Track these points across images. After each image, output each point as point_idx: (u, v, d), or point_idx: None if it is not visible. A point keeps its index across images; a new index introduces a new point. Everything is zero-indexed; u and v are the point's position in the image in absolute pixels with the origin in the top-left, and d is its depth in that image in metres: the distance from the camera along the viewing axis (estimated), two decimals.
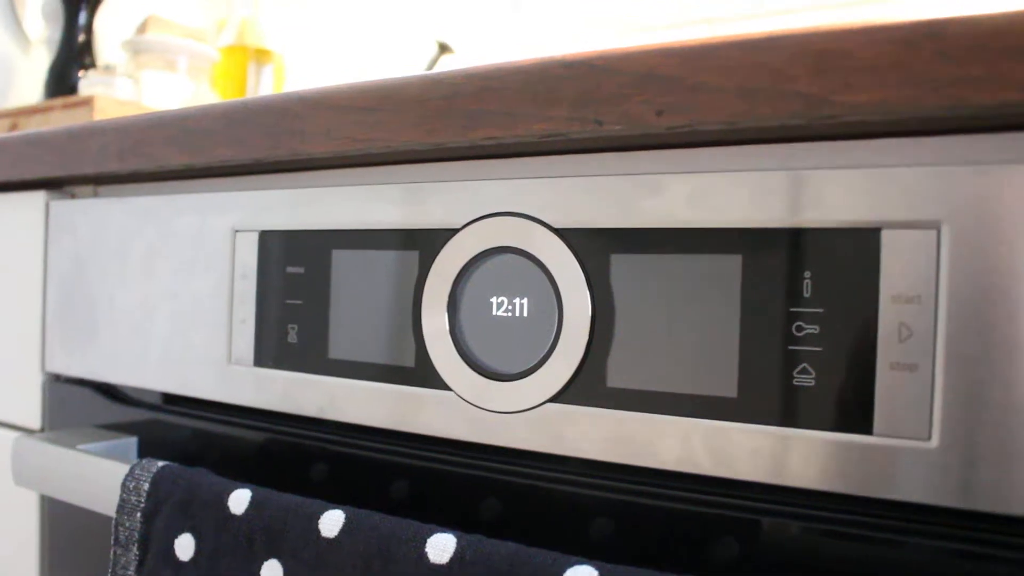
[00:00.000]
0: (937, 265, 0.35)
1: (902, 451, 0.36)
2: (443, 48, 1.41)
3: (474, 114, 0.45)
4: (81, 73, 1.23)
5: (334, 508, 0.45)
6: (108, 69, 1.21)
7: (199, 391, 0.60)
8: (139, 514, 0.53)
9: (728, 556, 0.40)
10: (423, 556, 0.41)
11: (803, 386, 0.38)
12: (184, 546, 0.50)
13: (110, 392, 0.68)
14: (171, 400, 0.65)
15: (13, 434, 0.73)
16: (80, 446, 0.61)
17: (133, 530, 0.53)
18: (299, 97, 0.52)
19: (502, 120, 0.44)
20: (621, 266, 0.42)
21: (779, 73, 0.37)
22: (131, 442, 0.65)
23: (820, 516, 0.38)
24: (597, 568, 0.37)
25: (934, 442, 0.35)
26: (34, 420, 0.74)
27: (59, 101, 1.12)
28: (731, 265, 0.39)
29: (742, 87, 0.38)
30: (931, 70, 0.34)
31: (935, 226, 0.35)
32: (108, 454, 0.61)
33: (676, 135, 0.41)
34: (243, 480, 0.51)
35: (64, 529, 0.71)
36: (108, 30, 1.38)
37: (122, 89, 1.15)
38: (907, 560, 0.37)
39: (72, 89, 1.21)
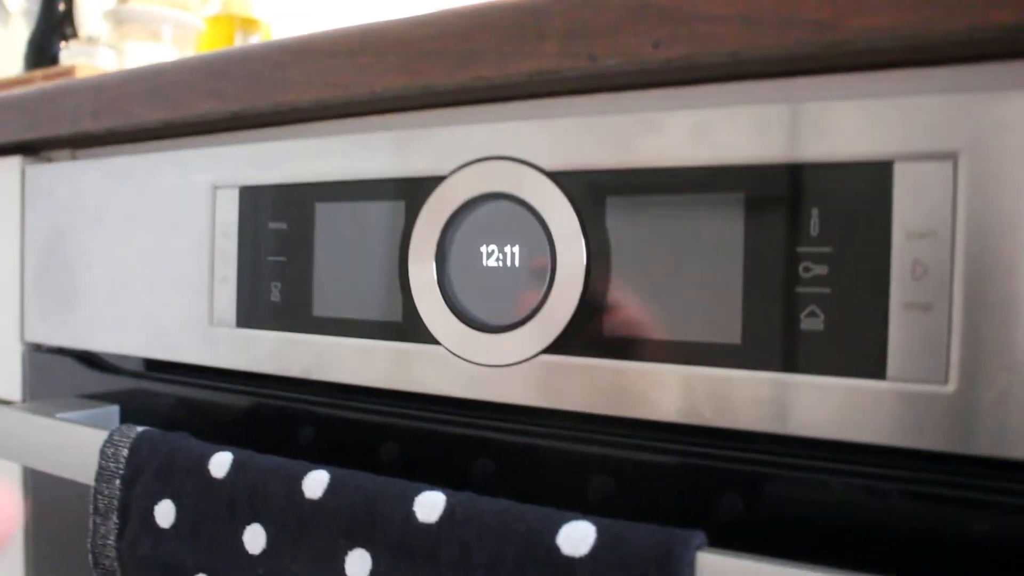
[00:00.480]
0: (954, 198, 0.33)
1: (917, 396, 0.34)
2: None
3: (462, 53, 0.42)
4: (62, 44, 1.20)
5: (318, 469, 0.43)
6: (90, 40, 1.19)
7: (181, 355, 0.58)
8: (118, 481, 0.51)
9: (732, 512, 0.38)
10: (411, 515, 0.39)
11: (811, 330, 0.36)
12: (164, 513, 0.48)
13: (91, 360, 0.66)
14: (154, 366, 0.63)
15: None
16: (59, 415, 0.59)
17: (112, 498, 0.51)
18: (279, 45, 0.50)
19: (491, 59, 0.42)
20: (617, 209, 0.40)
21: None
22: (113, 411, 0.63)
23: (830, 468, 0.37)
24: (595, 523, 0.35)
25: (951, 386, 0.33)
26: (14, 391, 0.71)
27: (39, 72, 1.09)
28: (734, 204, 0.37)
29: (744, 15, 0.35)
30: None
31: (951, 157, 0.33)
32: (89, 423, 0.59)
33: (674, 69, 0.39)
34: (231, 445, 0.49)
35: (48, 500, 0.69)
36: (90, 0, 1.35)
37: (104, 60, 1.12)
38: (922, 511, 0.35)
39: (53, 60, 1.18)
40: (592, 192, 0.41)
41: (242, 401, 0.56)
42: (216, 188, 0.55)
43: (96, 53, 1.10)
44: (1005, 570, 0.33)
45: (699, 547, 0.33)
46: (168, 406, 0.60)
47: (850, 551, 0.36)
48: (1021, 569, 0.32)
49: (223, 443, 0.50)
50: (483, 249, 0.44)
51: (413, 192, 0.46)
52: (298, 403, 0.53)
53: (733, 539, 0.37)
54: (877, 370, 0.34)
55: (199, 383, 0.58)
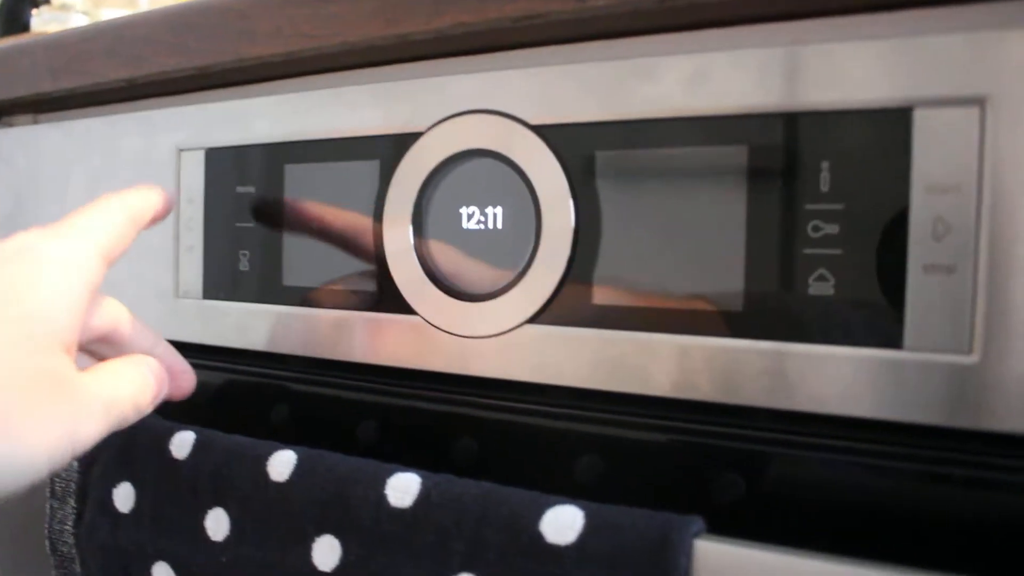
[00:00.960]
0: (980, 149, 0.30)
1: (938, 367, 0.31)
2: None
3: None
4: (34, 11, 1.15)
5: (284, 449, 0.40)
6: (64, 6, 1.14)
7: None
8: (75, 464, 0.48)
9: (734, 493, 0.35)
10: (383, 499, 0.36)
11: (820, 295, 0.33)
12: (124, 496, 0.45)
13: None
14: None
15: None
16: None
17: (70, 481, 0.48)
18: None
19: (471, 3, 0.38)
20: (608, 165, 0.37)
21: None
22: None
23: (840, 446, 0.33)
24: (583, 508, 0.32)
25: (975, 356, 0.30)
26: None
27: (9, 40, 1.05)
28: (735, 157, 0.34)
29: None
30: None
31: (978, 102, 0.30)
32: None
33: (671, 11, 0.35)
34: (200, 425, 0.46)
35: None
36: None
37: (78, 26, 1.08)
38: (941, 493, 0.32)
39: (25, 27, 1.14)
40: (581, 147, 0.37)
41: (214, 377, 0.52)
42: (181, 151, 0.52)
43: (69, 20, 1.06)
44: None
45: (697, 534, 0.30)
46: None
47: (861, 536, 0.33)
48: None
49: (193, 421, 0.47)
50: (463, 211, 0.40)
51: (388, 150, 0.43)
52: (271, 378, 0.50)
53: (734, 523, 0.34)
54: (893, 339, 0.31)
55: None
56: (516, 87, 0.39)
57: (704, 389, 0.35)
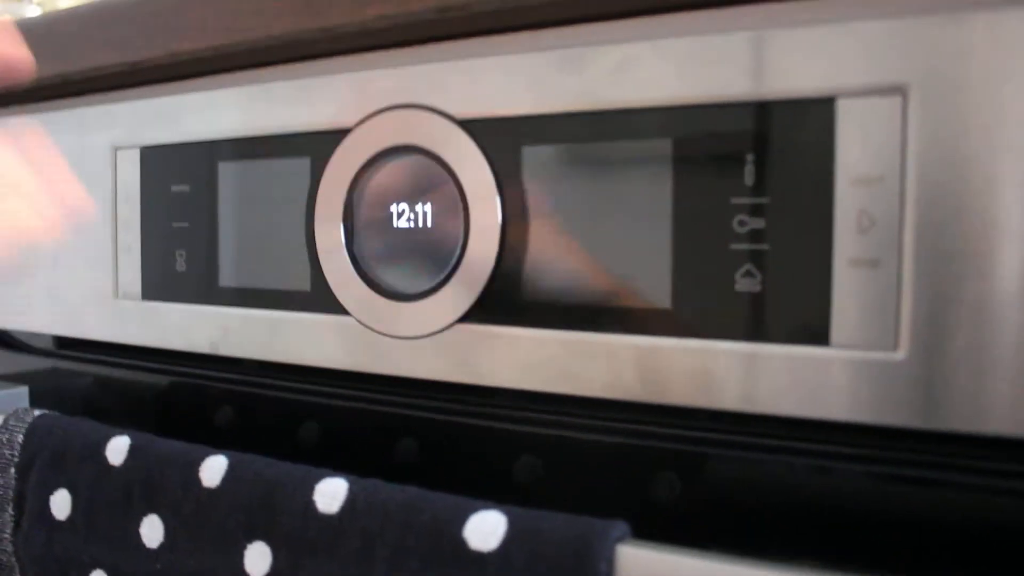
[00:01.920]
0: (903, 139, 0.29)
1: (865, 364, 0.30)
2: None
3: None
4: None
5: (216, 455, 0.39)
6: None
7: (88, 331, 0.53)
8: (12, 469, 0.47)
9: (670, 494, 0.35)
10: (310, 504, 0.35)
11: (747, 292, 0.32)
12: (60, 503, 0.44)
13: (1, 339, 0.62)
14: (66, 344, 0.58)
15: None
16: None
17: (7, 488, 0.47)
18: None
19: None
20: (534, 159, 0.36)
21: None
22: (21, 392, 0.58)
23: (770, 445, 0.33)
24: (506, 514, 0.31)
25: (901, 353, 0.29)
26: None
27: None
28: (660, 150, 0.33)
29: None
30: None
31: (901, 91, 0.29)
32: None
33: (599, 1, 0.34)
34: (145, 430, 0.45)
35: None
36: None
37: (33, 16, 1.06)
38: (867, 490, 0.31)
39: None
40: (507, 141, 0.36)
41: (157, 380, 0.52)
42: (116, 149, 0.50)
43: (24, 11, 1.04)
44: (969, 554, 0.29)
45: (619, 539, 0.30)
46: (81, 387, 0.56)
47: (796, 537, 0.32)
48: (986, 552, 0.29)
49: (139, 425, 0.46)
50: (393, 208, 0.39)
51: (318, 147, 0.42)
52: (214, 381, 0.49)
53: (670, 523, 0.34)
54: (820, 336, 0.31)
55: (111, 361, 0.54)
56: (441, 80, 0.38)
57: (634, 389, 0.34)
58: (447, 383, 0.39)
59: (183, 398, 0.50)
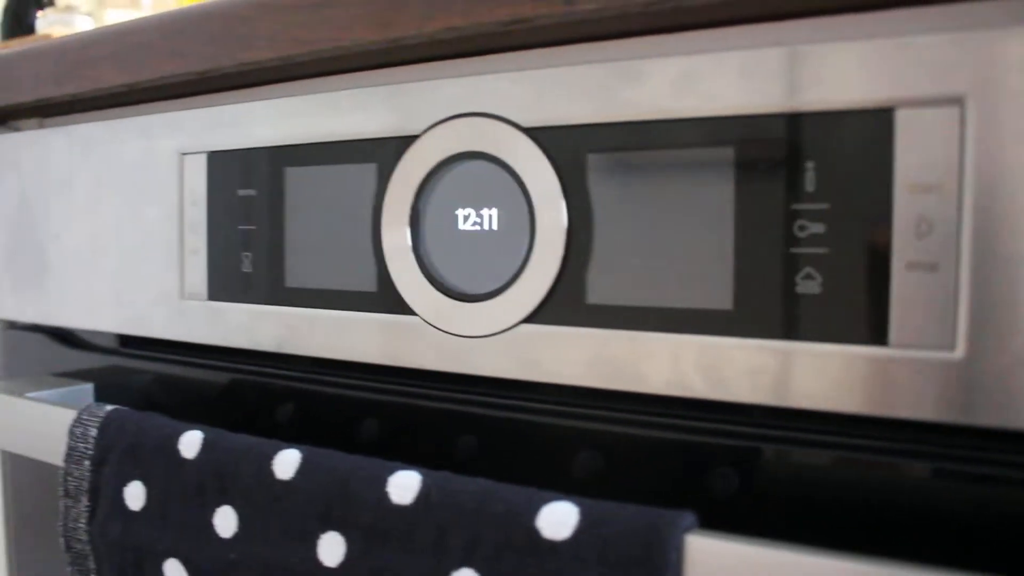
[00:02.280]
0: (961, 147, 0.30)
1: (922, 363, 0.31)
2: None
3: (430, 3, 0.39)
4: (39, 13, 1.16)
5: (289, 448, 0.41)
6: (68, 8, 1.15)
7: (153, 330, 0.55)
8: (87, 462, 0.49)
9: (727, 488, 0.36)
10: (384, 496, 0.37)
11: (807, 293, 0.33)
12: (134, 495, 0.46)
13: (65, 337, 0.64)
14: (129, 342, 0.60)
15: None
16: (31, 394, 0.57)
17: (82, 479, 0.49)
18: (242, 1, 0.47)
19: (461, 7, 0.39)
20: (599, 166, 0.37)
21: None
22: (87, 389, 0.60)
23: (829, 441, 0.34)
24: (577, 504, 0.33)
25: (959, 352, 0.30)
26: None
27: (15, 42, 1.06)
28: (723, 159, 0.34)
29: None
30: None
31: (958, 102, 0.30)
32: (62, 402, 0.57)
33: (658, 13, 0.35)
34: (207, 424, 0.47)
35: (26, 481, 0.67)
36: None
37: (83, 27, 1.09)
38: (926, 487, 0.32)
39: (30, 30, 1.15)
40: (572, 149, 0.38)
41: (219, 377, 0.53)
42: (183, 154, 0.52)
43: (74, 21, 1.07)
44: (1012, 546, 0.30)
45: (687, 529, 0.31)
46: (144, 383, 0.58)
47: (850, 529, 0.33)
48: None
49: (201, 420, 0.48)
50: (459, 212, 0.41)
51: (384, 153, 0.43)
52: (276, 378, 0.50)
53: (728, 517, 0.35)
54: (879, 336, 0.32)
55: (174, 359, 0.56)
56: (508, 90, 0.39)
57: (696, 386, 0.35)
58: (503, 380, 0.41)
59: (244, 395, 0.52)
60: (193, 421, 0.47)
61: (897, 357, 0.32)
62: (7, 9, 1.19)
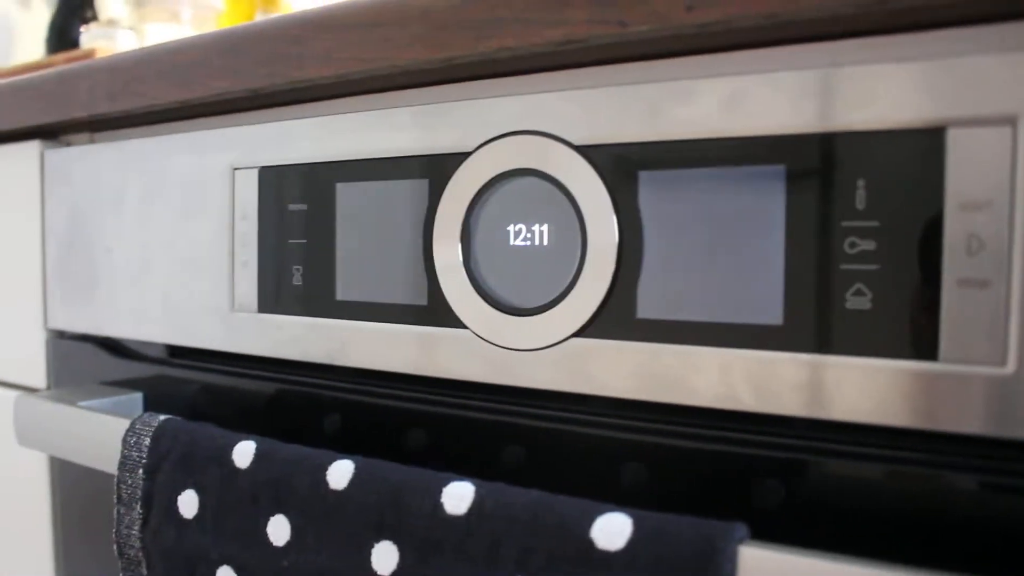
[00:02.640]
0: (1013, 166, 0.31)
1: (973, 378, 0.32)
2: None
3: (485, 23, 0.40)
4: (83, 27, 1.18)
5: (342, 458, 0.42)
6: (111, 22, 1.17)
7: (202, 341, 0.56)
8: (141, 471, 0.50)
9: (774, 500, 0.36)
10: (438, 507, 0.38)
11: (858, 309, 0.34)
12: (188, 503, 0.47)
13: (114, 347, 0.65)
14: (178, 352, 0.62)
15: (17, 394, 0.70)
16: (82, 403, 0.58)
17: (136, 487, 0.50)
18: (296, 19, 0.48)
19: (516, 28, 0.40)
20: (650, 184, 0.38)
21: None
22: (136, 398, 0.62)
23: (878, 455, 0.35)
24: (631, 515, 0.33)
25: (1010, 367, 0.31)
26: (39, 379, 0.71)
27: (61, 56, 1.08)
28: (773, 177, 0.35)
29: None
30: None
31: (1010, 121, 0.31)
32: (112, 411, 0.58)
33: (709, 35, 0.36)
34: (254, 433, 0.48)
35: (75, 489, 0.68)
36: None
37: (125, 42, 1.11)
38: (978, 501, 0.33)
39: (74, 44, 1.17)
40: (623, 166, 0.39)
41: (267, 387, 0.54)
42: (235, 169, 0.54)
43: (116, 36, 1.09)
44: None
45: (741, 540, 0.32)
46: (192, 393, 0.59)
47: (896, 541, 0.34)
48: None
49: (249, 430, 0.49)
50: (510, 228, 0.42)
51: (436, 170, 0.44)
52: (324, 389, 0.51)
53: (775, 529, 0.35)
54: (929, 351, 0.32)
55: (223, 369, 0.57)
56: (559, 108, 0.40)
57: (745, 400, 0.36)
58: (550, 391, 0.42)
59: (292, 405, 0.53)
60: (241, 431, 0.48)
61: (947, 372, 0.32)
62: (52, 24, 1.22)
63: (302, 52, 0.47)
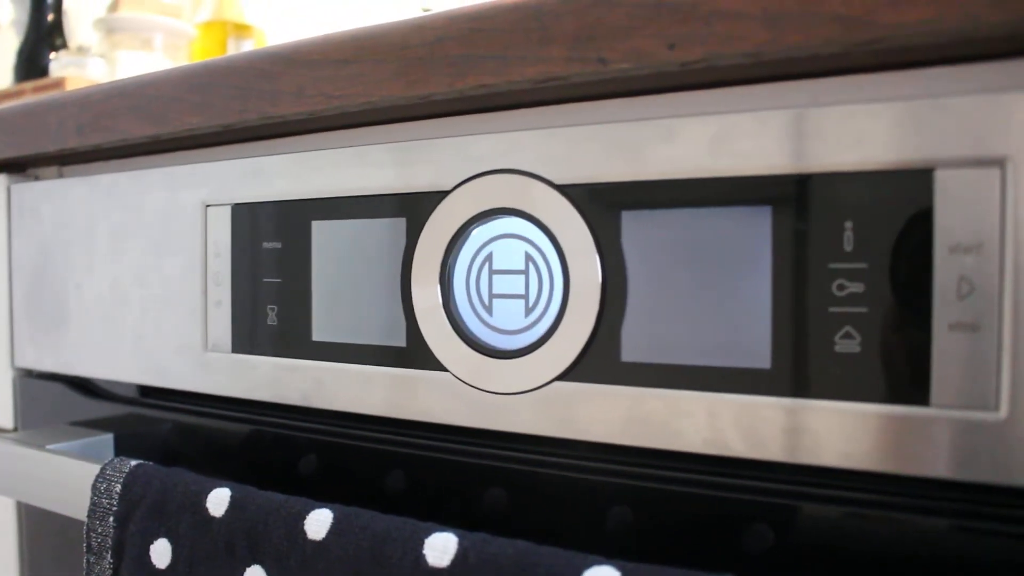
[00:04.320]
0: (1002, 208, 0.30)
1: (965, 424, 0.31)
2: None
3: (461, 60, 0.40)
4: (52, 55, 1.17)
5: (321, 507, 0.41)
6: (81, 50, 1.16)
7: (175, 382, 0.55)
8: (111, 518, 0.48)
9: (762, 546, 0.36)
10: (420, 559, 0.36)
11: (847, 353, 0.33)
12: (160, 552, 0.46)
13: (84, 386, 0.64)
14: (149, 392, 0.60)
15: None
16: (50, 446, 0.57)
17: (106, 536, 0.48)
18: (267, 54, 0.47)
19: (493, 65, 0.39)
20: (633, 224, 0.37)
21: None
22: (107, 439, 0.60)
23: (869, 500, 0.34)
24: (619, 568, 0.32)
25: (1002, 413, 0.30)
26: (6, 419, 0.69)
27: (29, 85, 1.07)
28: (760, 218, 0.34)
29: (767, 12, 0.33)
30: None
31: (999, 163, 0.30)
32: (82, 454, 0.57)
33: (691, 72, 0.36)
34: (228, 476, 0.46)
35: (44, 536, 0.66)
36: (80, 9, 1.32)
37: (95, 70, 1.09)
38: (970, 547, 0.32)
39: (43, 72, 1.16)
40: (606, 206, 0.38)
41: (242, 428, 0.53)
42: (207, 206, 0.52)
43: (87, 64, 1.07)
44: None
45: None
46: (165, 434, 0.58)
47: None
48: None
49: (223, 472, 0.48)
50: (490, 269, 0.41)
51: (414, 208, 0.43)
52: (300, 431, 0.50)
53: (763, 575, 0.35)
54: (920, 396, 0.32)
55: (196, 410, 0.56)
56: (540, 147, 0.39)
57: (734, 446, 0.35)
58: (536, 436, 0.41)
59: (267, 447, 0.52)
60: (215, 472, 0.47)
61: (938, 417, 0.31)
62: (21, 51, 1.20)
63: (273, 88, 0.46)
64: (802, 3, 0.32)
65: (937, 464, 0.32)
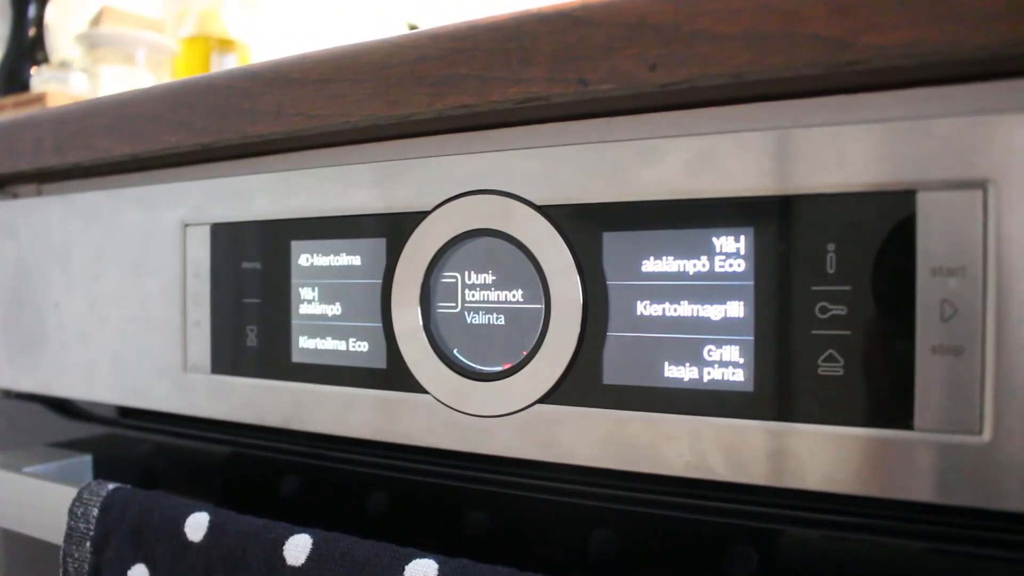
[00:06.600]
0: (984, 231, 0.30)
1: (948, 447, 0.31)
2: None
3: (442, 80, 0.39)
4: (33, 69, 1.16)
5: (300, 532, 0.40)
6: (63, 65, 1.15)
7: (154, 403, 0.54)
8: (88, 543, 0.48)
9: (746, 570, 0.35)
10: None
11: (830, 375, 0.33)
12: None
13: (63, 407, 0.63)
14: (128, 413, 0.59)
15: None
16: (27, 468, 0.56)
17: (83, 562, 0.48)
18: (247, 73, 0.47)
19: (473, 85, 0.39)
20: (615, 246, 0.37)
21: (792, 14, 0.31)
22: (85, 461, 0.59)
23: (852, 523, 0.34)
24: None
25: (986, 436, 0.30)
26: None
27: (10, 100, 1.06)
28: (741, 240, 0.34)
29: (749, 33, 0.32)
30: (974, 1, 0.29)
31: (981, 185, 0.30)
32: (59, 476, 0.56)
33: (673, 93, 0.35)
34: (208, 499, 0.46)
35: (21, 561, 0.65)
36: (62, 23, 1.31)
37: (77, 85, 1.08)
38: (954, 571, 0.32)
39: (25, 86, 1.15)
40: (587, 227, 0.38)
41: (222, 451, 0.52)
42: (186, 225, 0.52)
43: (68, 78, 1.07)
44: None
45: None
46: (144, 455, 0.57)
47: None
48: None
49: (203, 494, 0.47)
50: (471, 290, 0.41)
51: (394, 229, 0.43)
52: (280, 453, 0.50)
53: None
54: (903, 419, 0.31)
55: (175, 431, 0.55)
56: (521, 167, 0.39)
57: (717, 469, 0.35)
58: (518, 459, 0.40)
59: (246, 468, 0.51)
60: (194, 494, 0.46)
61: (922, 440, 0.31)
62: (2, 66, 1.19)
63: (253, 107, 0.46)
64: (784, 24, 0.32)
65: (921, 488, 0.31)
